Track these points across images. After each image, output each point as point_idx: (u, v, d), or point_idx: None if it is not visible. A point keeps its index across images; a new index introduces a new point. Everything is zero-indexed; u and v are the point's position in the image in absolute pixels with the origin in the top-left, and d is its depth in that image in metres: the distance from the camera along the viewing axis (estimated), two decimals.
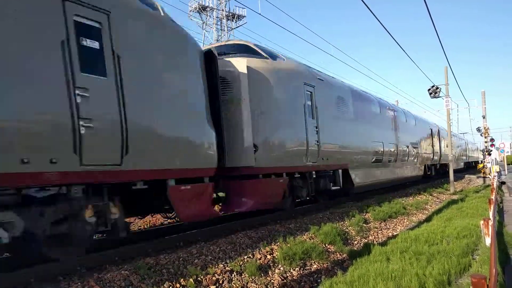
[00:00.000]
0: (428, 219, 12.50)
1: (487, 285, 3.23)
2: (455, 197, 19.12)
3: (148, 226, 11.56)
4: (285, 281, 6.50)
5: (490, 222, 7.04)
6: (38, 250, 5.38)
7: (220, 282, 5.91)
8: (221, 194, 9.48)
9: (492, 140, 33.36)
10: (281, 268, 6.84)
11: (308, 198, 12.07)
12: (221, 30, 41.66)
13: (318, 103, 11.46)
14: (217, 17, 41.49)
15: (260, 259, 6.94)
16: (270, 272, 6.62)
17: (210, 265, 6.22)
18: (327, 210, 12.05)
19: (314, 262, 7.42)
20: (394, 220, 12.41)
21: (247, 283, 6.11)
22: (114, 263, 5.94)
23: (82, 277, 5.20)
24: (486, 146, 32.91)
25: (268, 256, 7.13)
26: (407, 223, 12.44)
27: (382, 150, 16.52)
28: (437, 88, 22.03)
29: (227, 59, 9.16)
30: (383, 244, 8.62)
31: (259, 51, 10.04)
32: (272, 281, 6.40)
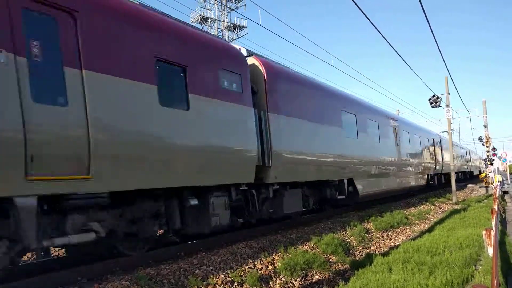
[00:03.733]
0: (431, 229, 12.43)
1: None
2: (457, 206, 19.03)
3: None
4: None
5: (493, 232, 7.01)
6: None
7: None
8: None
9: (494, 149, 33.28)
10: (283, 279, 6.80)
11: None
12: None
13: None
14: (219, 28, 41.91)
15: (261, 269, 6.91)
16: (271, 283, 6.59)
17: (211, 276, 6.19)
18: (328, 220, 12.01)
19: (316, 273, 7.38)
20: (396, 230, 12.35)
21: None
22: (115, 274, 5.92)
23: None
24: (488, 156, 32.82)
25: (269, 267, 7.09)
26: (409, 233, 12.38)
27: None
28: (437, 97, 22.11)
29: None
30: (385, 254, 8.57)
31: None
32: None
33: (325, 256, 8.29)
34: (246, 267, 6.83)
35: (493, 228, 7.81)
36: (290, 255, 7.58)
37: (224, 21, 41.85)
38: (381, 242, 10.76)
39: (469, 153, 49.50)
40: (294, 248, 8.14)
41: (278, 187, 9.73)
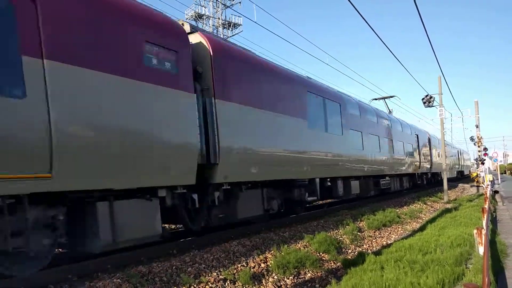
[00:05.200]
0: (422, 228, 12.52)
1: None
2: (449, 206, 19.19)
3: None
4: None
5: (483, 231, 7.06)
6: None
7: None
8: None
9: (485, 149, 33.60)
10: (275, 277, 6.80)
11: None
12: None
13: None
14: (213, 26, 41.72)
15: (253, 267, 6.90)
16: (263, 281, 6.58)
17: (204, 274, 6.17)
18: (321, 219, 12.04)
19: (308, 271, 7.39)
20: (388, 228, 12.41)
21: None
22: (106, 271, 5.88)
23: (73, 286, 5.13)
24: (479, 155, 33.14)
25: (262, 265, 7.09)
26: (401, 231, 12.45)
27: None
28: (431, 97, 22.24)
29: None
30: (377, 253, 8.61)
31: None
32: None
33: (318, 254, 8.30)
34: (239, 265, 6.82)
35: (484, 227, 7.89)
36: (282, 253, 7.58)
37: (219, 18, 41.69)
38: (374, 240, 10.80)
39: (428, 140, 28.12)
40: (287, 246, 8.14)
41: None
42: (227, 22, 42.12)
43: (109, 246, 5.83)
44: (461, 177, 52.24)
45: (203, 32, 8.45)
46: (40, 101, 4.81)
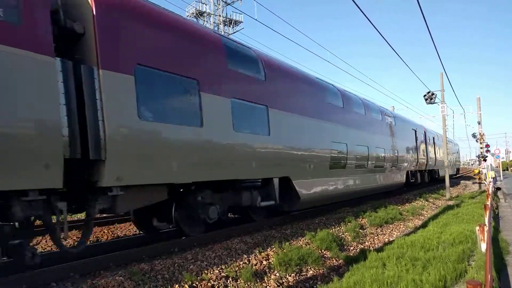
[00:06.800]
0: (424, 225, 12.50)
1: None
2: (451, 202, 19.16)
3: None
4: (280, 287, 6.47)
5: (486, 228, 7.04)
6: None
7: None
8: None
9: (487, 146, 33.46)
10: (277, 274, 6.80)
11: None
12: None
13: None
14: (214, 23, 41.67)
15: (255, 265, 6.90)
16: (265, 278, 6.58)
17: (205, 271, 6.17)
18: (323, 216, 12.04)
19: (310, 268, 7.39)
20: (390, 225, 12.40)
21: None
22: (108, 269, 5.89)
23: (75, 283, 5.14)
24: (481, 152, 33.02)
25: (264, 262, 7.09)
26: (403, 228, 12.43)
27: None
28: (432, 94, 22.16)
29: None
30: (379, 250, 8.60)
31: None
32: (267, 287, 6.37)
33: (320, 251, 8.30)
34: (241, 263, 6.82)
35: (487, 224, 7.86)
36: (284, 251, 7.58)
37: (219, 15, 41.62)
38: (375, 237, 10.80)
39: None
40: (289, 243, 8.15)
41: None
42: (228, 20, 42.06)
43: None
44: (418, 183, 24.89)
45: None
46: None
